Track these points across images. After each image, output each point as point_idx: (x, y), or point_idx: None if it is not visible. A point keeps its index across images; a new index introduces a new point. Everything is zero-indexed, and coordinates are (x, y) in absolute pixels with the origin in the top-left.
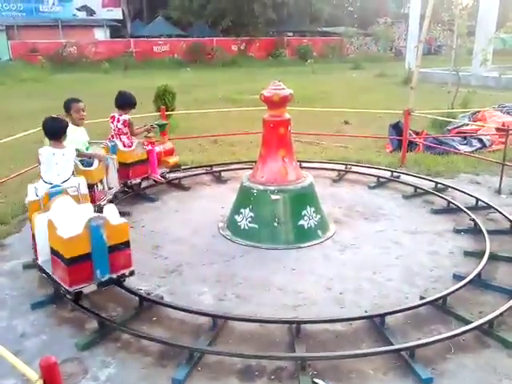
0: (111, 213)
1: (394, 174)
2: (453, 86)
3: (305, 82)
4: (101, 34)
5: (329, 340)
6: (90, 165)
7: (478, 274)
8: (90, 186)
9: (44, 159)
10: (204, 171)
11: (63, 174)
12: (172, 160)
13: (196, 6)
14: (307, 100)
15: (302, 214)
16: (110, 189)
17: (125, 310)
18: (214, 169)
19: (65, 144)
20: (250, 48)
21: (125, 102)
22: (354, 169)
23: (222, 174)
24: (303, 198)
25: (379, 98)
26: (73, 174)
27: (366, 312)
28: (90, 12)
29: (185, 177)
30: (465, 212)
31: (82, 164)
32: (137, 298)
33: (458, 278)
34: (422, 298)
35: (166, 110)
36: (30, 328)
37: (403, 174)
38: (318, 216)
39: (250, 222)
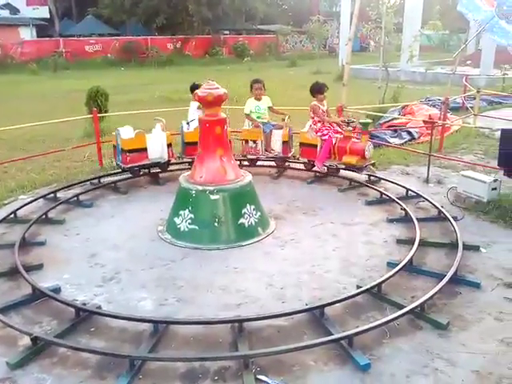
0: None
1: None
2: (383, 81)
3: (242, 80)
4: (27, 34)
5: (271, 335)
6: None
7: (410, 261)
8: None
9: None
10: (141, 173)
11: (190, 117)
12: (346, 159)
13: (128, 3)
14: (245, 98)
15: (242, 212)
16: (267, 151)
17: (60, 323)
18: (152, 171)
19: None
20: (186, 46)
21: (311, 90)
22: (293, 165)
23: (160, 175)
24: (243, 197)
25: None
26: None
27: (306, 305)
28: (14, 10)
29: (121, 180)
30: (396, 202)
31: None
32: (72, 310)
33: (391, 265)
34: (358, 287)
35: (99, 112)
36: None
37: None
38: (258, 213)
39: (189, 224)
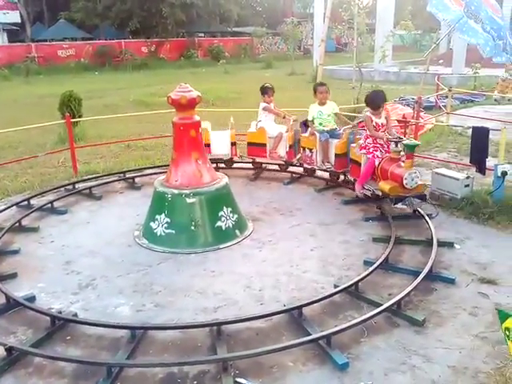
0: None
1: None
2: (357, 81)
3: (218, 82)
4: None
5: (250, 338)
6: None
7: (386, 259)
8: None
9: None
10: (116, 178)
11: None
12: (381, 185)
13: (100, 7)
14: (222, 101)
15: (219, 215)
16: (322, 162)
17: (35, 332)
18: (127, 175)
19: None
20: (160, 50)
21: (365, 101)
22: (270, 167)
23: (136, 180)
24: (219, 199)
25: (291, 95)
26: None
27: (284, 306)
28: None
29: (96, 185)
30: (372, 201)
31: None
32: (48, 318)
33: (368, 263)
34: (335, 286)
35: (73, 117)
36: None
37: (315, 169)
38: (236, 216)
39: (166, 228)
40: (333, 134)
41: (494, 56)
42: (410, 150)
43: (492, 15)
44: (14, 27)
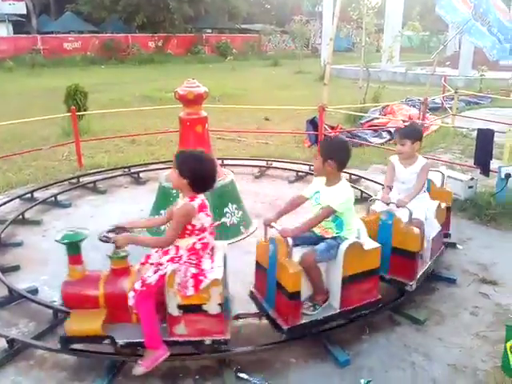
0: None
1: (312, 167)
2: (364, 81)
3: (225, 79)
4: (2, 30)
5: (252, 333)
6: None
7: None
8: None
9: None
10: (121, 173)
11: None
12: None
13: (108, 0)
14: (228, 97)
15: (224, 211)
16: None
17: (38, 325)
18: (132, 170)
19: None
20: (167, 45)
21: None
22: (275, 164)
23: (141, 174)
24: (224, 196)
25: (297, 94)
26: None
27: None
28: None
29: (100, 180)
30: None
31: None
32: (50, 311)
33: None
34: None
35: (78, 111)
36: None
37: None
38: (240, 212)
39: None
40: None
41: (500, 59)
42: (69, 250)
43: (500, 18)
44: (20, 19)
